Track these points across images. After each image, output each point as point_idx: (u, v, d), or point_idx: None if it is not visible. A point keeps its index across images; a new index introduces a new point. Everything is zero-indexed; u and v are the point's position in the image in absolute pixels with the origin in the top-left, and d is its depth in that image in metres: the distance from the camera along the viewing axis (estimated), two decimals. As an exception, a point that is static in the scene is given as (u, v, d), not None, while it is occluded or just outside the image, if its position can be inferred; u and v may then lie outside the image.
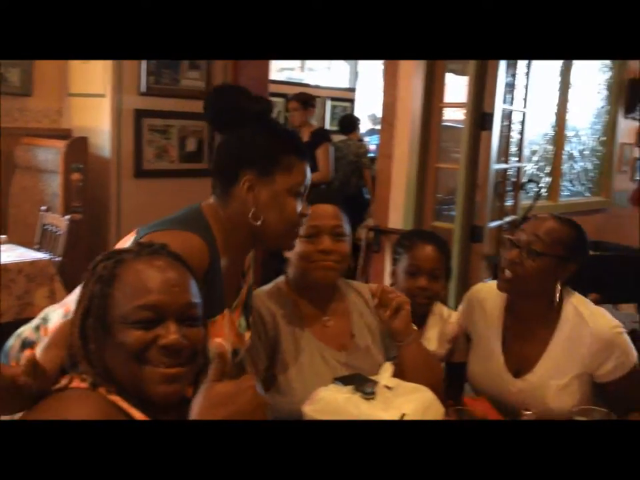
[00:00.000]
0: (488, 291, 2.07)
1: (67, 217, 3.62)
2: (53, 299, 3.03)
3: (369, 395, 1.56)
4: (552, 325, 1.92)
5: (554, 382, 1.88)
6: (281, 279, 1.93)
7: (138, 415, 1.12)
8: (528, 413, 1.67)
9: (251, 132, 1.56)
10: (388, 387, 1.59)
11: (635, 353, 1.88)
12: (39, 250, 3.64)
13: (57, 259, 3.54)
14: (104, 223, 4.05)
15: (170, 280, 1.18)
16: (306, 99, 5.67)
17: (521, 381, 1.93)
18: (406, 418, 1.48)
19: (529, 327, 1.95)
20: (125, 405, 1.12)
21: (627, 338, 1.89)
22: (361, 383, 1.62)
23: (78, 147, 3.94)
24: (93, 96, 4.11)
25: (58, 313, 1.47)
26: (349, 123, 6.44)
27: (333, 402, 1.55)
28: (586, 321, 1.89)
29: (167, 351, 1.14)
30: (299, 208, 1.57)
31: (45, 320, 1.49)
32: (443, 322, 2.12)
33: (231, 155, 1.57)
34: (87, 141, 3.99)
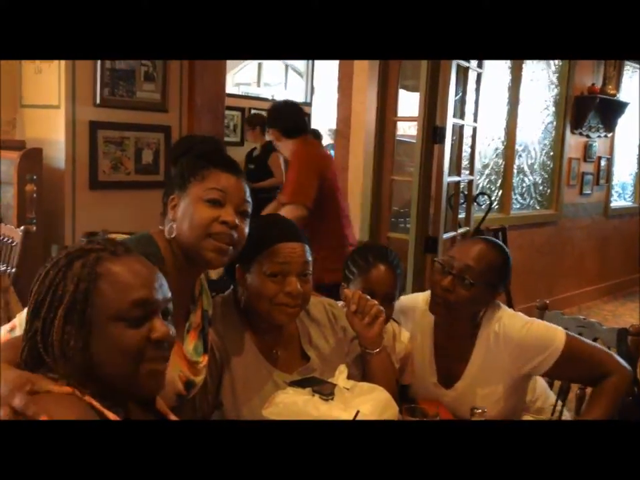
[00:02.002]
0: (416, 305, 2.13)
1: (21, 228, 3.57)
2: (7, 310, 2.99)
3: (327, 396, 1.58)
4: (472, 340, 2.00)
5: (480, 390, 1.97)
6: (228, 298, 1.85)
7: (112, 416, 1.14)
8: (478, 411, 1.72)
9: (179, 161, 1.63)
10: (346, 388, 1.62)
11: (559, 334, 1.93)
12: (-8, 262, 3.59)
13: (11, 270, 3.49)
14: (59, 234, 4.00)
15: (154, 276, 1.23)
16: (251, 120, 6.64)
17: (452, 391, 2.02)
18: (365, 417, 1.50)
19: (453, 343, 2.03)
20: (97, 406, 1.14)
21: (542, 329, 1.95)
22: (318, 385, 1.64)
23: (32, 158, 3.90)
24: (47, 107, 4.07)
25: (4, 329, 1.47)
26: None
27: (292, 404, 1.55)
28: (498, 329, 1.96)
29: (159, 346, 1.19)
30: (215, 214, 1.53)
31: None
32: (394, 341, 2.09)
33: (166, 186, 1.64)
34: (41, 152, 3.95)
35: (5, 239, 3.69)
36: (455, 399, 1.99)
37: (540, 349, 1.92)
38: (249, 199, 1.61)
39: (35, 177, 3.72)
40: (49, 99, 4.04)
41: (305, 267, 1.74)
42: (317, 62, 8.91)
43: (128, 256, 1.23)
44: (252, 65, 8.91)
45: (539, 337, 1.93)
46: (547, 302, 2.47)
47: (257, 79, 9.03)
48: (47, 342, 1.16)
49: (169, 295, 1.25)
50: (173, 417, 1.35)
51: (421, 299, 2.14)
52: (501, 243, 2.05)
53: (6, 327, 1.47)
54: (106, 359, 1.17)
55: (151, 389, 1.23)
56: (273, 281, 1.70)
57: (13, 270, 3.52)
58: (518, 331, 1.94)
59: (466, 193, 4.46)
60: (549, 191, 6.59)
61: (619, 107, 7.01)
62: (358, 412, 1.49)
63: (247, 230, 1.60)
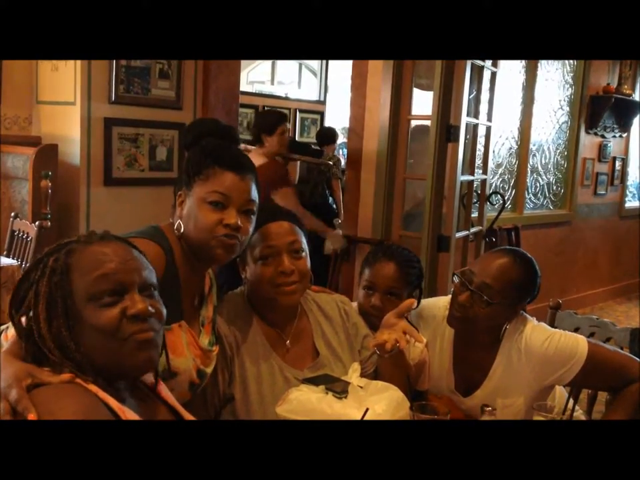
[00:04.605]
0: (437, 310, 2.08)
1: (36, 223, 3.60)
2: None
3: (341, 394, 1.58)
4: (494, 351, 1.95)
5: (499, 401, 1.93)
6: (240, 293, 1.86)
7: (114, 403, 1.15)
8: (489, 409, 1.72)
9: (188, 154, 1.64)
10: (359, 386, 1.63)
11: (581, 345, 1.89)
12: (7, 256, 3.63)
13: (25, 265, 3.52)
14: (73, 230, 4.03)
15: (122, 254, 1.24)
16: None
17: (469, 399, 1.98)
18: (378, 415, 1.51)
19: (473, 353, 1.99)
20: (102, 395, 1.15)
21: (563, 340, 1.90)
22: (332, 383, 1.64)
23: (47, 154, 3.93)
24: (63, 104, 4.10)
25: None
26: (325, 136, 6.52)
27: (306, 402, 1.56)
28: (521, 343, 1.92)
29: (137, 320, 1.20)
30: (218, 217, 1.54)
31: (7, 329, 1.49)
32: (409, 345, 2.00)
33: (177, 178, 1.65)
34: (56, 148, 3.99)
35: (20, 234, 3.73)
36: (472, 408, 1.95)
37: (562, 361, 1.89)
38: (254, 198, 1.61)
39: (50, 173, 3.75)
40: (65, 95, 4.07)
41: (294, 244, 1.76)
42: (331, 61, 8.91)
43: (100, 241, 1.24)
44: (266, 63, 8.92)
45: (560, 350, 1.89)
46: (560, 301, 2.45)
47: (270, 77, 9.04)
48: (41, 337, 1.18)
49: (147, 270, 1.26)
50: (175, 403, 1.36)
51: (441, 304, 2.09)
52: (530, 257, 1.96)
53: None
54: (91, 344, 1.18)
55: (141, 363, 1.23)
56: (266, 264, 1.72)
57: (28, 265, 3.55)
58: (540, 346, 1.90)
59: (479, 192, 4.45)
60: (562, 191, 6.57)
61: (635, 107, 6.97)
62: (367, 409, 1.50)
63: (251, 228, 1.62)
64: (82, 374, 1.16)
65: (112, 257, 1.21)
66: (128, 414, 1.16)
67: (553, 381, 1.94)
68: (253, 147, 4.32)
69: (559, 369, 1.90)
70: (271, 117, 4.48)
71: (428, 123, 3.87)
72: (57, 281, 1.19)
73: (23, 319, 1.21)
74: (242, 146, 5.32)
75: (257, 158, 4.17)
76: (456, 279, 1.94)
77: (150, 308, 1.22)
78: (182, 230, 1.58)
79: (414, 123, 4.14)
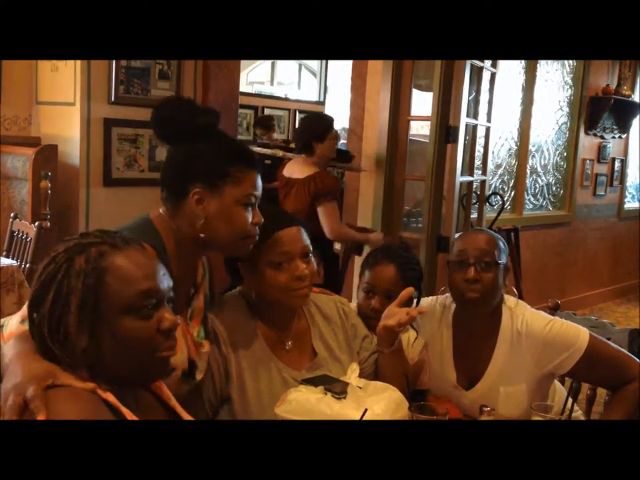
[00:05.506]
0: (434, 307, 2.11)
1: (36, 223, 3.60)
2: (21, 305, 3.00)
3: (340, 395, 1.58)
4: (494, 338, 1.98)
5: (503, 389, 1.95)
6: (238, 294, 1.85)
7: (125, 410, 1.14)
8: (487, 409, 1.72)
9: (198, 145, 1.60)
10: (358, 387, 1.63)
11: (582, 334, 1.92)
12: (7, 256, 3.63)
13: (25, 266, 3.52)
14: (72, 230, 4.02)
15: (156, 266, 1.23)
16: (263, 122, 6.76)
17: (472, 392, 2.00)
18: (377, 416, 1.51)
19: (473, 343, 2.01)
20: (112, 400, 1.14)
21: (565, 327, 1.94)
22: (331, 384, 1.64)
23: (47, 155, 3.93)
24: (63, 104, 4.10)
25: (15, 319, 1.45)
26: None
27: (305, 402, 1.56)
28: (520, 327, 1.96)
29: (168, 335, 1.20)
30: (250, 217, 1.59)
31: (1, 327, 1.45)
32: (406, 346, 2.02)
33: (179, 169, 1.61)
34: (56, 149, 3.98)
35: (20, 235, 3.73)
36: (475, 401, 1.95)
37: (563, 347, 1.92)
38: None
39: (49, 174, 3.75)
40: (65, 96, 4.06)
41: (305, 248, 1.77)
42: (330, 61, 8.91)
43: (128, 247, 1.21)
44: (266, 63, 8.93)
45: (562, 335, 1.92)
46: (559, 302, 2.46)
47: (270, 78, 9.05)
48: (55, 337, 1.15)
49: (171, 282, 1.25)
50: (175, 404, 1.36)
51: (438, 302, 2.13)
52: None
53: (17, 319, 1.46)
54: (118, 351, 1.17)
55: (160, 377, 1.26)
56: (281, 270, 1.72)
57: (27, 265, 3.55)
58: (541, 329, 1.94)
59: (478, 193, 4.45)
60: (562, 191, 6.57)
61: (634, 108, 6.97)
62: (366, 410, 1.50)
63: None
64: (99, 380, 1.15)
65: (150, 269, 1.20)
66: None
67: (553, 367, 1.95)
68: (296, 155, 4.17)
69: (559, 354, 1.92)
70: (322, 122, 4.21)
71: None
72: (91, 284, 1.14)
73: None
74: (280, 153, 5.24)
75: (308, 167, 4.04)
76: (454, 263, 1.98)
77: (178, 321, 1.22)
78: (206, 232, 1.57)
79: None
